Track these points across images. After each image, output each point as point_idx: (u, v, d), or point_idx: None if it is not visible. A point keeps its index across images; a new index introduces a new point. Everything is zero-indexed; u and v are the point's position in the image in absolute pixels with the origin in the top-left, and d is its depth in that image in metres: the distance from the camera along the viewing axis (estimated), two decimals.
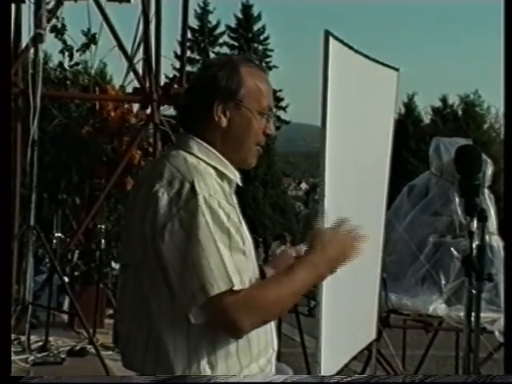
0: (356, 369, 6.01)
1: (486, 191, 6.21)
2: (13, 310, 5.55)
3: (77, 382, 1.97)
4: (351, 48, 4.00)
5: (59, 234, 7.48)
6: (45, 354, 5.77)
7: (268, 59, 38.33)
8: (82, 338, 6.21)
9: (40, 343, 5.92)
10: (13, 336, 5.66)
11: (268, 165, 29.61)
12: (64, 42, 7.34)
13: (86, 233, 7.67)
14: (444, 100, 31.22)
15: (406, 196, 6.66)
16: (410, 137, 27.93)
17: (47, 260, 8.26)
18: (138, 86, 7.65)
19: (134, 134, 7.68)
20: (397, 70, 4.97)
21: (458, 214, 6.06)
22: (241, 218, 1.97)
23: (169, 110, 7.69)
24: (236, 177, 2.04)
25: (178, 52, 14.52)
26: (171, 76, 18.92)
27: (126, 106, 8.13)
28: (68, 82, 8.17)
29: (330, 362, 3.90)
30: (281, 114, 38.53)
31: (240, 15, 38.27)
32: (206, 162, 1.97)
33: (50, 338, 6.00)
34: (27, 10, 6.44)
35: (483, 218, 2.72)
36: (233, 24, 38.39)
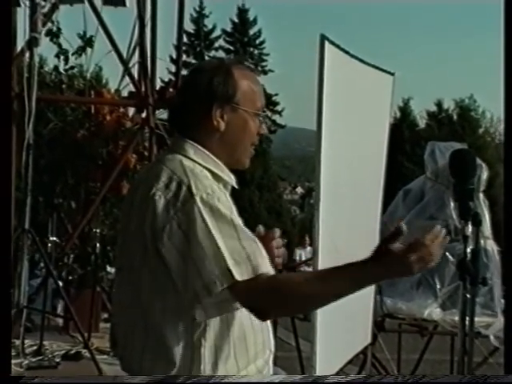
0: (351, 373, 6.01)
1: (481, 196, 6.22)
2: None
3: (77, 382, 1.97)
4: (347, 52, 4.02)
5: (54, 238, 7.47)
6: (39, 358, 5.75)
7: (264, 63, 38.39)
8: (76, 342, 6.20)
9: (34, 347, 5.90)
10: None
11: (264, 169, 29.62)
12: (59, 45, 7.34)
13: (81, 236, 7.66)
14: (439, 104, 31.27)
15: (402, 200, 6.67)
16: (406, 141, 27.95)
17: (42, 264, 8.25)
18: (133, 89, 7.65)
19: (129, 137, 7.68)
20: (392, 74, 4.98)
21: (453, 218, 6.07)
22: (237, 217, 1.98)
23: (164, 114, 7.70)
24: (232, 179, 2.05)
25: (174, 56, 14.53)
26: (167, 80, 18.92)
27: (122, 109, 8.13)
28: (63, 86, 8.17)
29: (325, 366, 3.90)
30: (276, 118, 38.53)
31: (236, 19, 38.31)
32: (201, 165, 1.97)
33: (45, 342, 5.99)
34: (22, 14, 6.44)
35: (477, 222, 2.73)
36: (229, 28, 38.44)
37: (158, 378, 1.89)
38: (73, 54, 7.45)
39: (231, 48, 38.25)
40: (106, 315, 7.28)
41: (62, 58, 7.45)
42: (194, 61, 35.37)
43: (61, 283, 6.40)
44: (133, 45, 7.55)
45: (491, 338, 5.70)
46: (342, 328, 4.31)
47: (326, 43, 3.63)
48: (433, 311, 5.82)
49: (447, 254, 5.97)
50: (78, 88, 8.40)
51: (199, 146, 2.00)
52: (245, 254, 1.85)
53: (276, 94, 38.33)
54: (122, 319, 2.02)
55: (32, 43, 5.95)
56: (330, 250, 3.96)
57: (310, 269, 6.74)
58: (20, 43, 6.73)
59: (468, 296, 2.74)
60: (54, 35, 7.19)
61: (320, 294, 1.88)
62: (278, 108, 39.07)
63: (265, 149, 29.06)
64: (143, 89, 7.34)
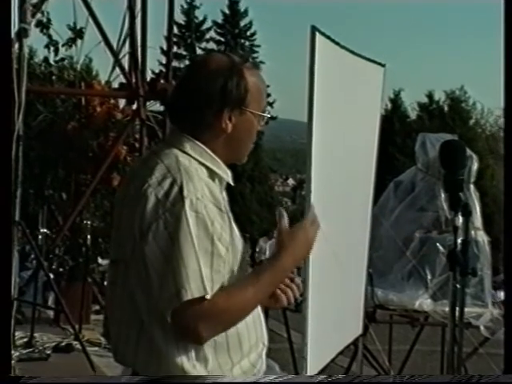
0: (342, 364, 6.03)
1: (472, 187, 6.24)
2: None
3: (77, 382, 1.96)
4: (337, 44, 4.01)
5: (45, 230, 7.45)
6: (30, 350, 5.75)
7: (255, 55, 38.31)
8: (67, 334, 6.20)
9: (25, 339, 5.89)
10: None
11: (255, 161, 29.61)
12: (49, 36, 7.31)
13: (72, 228, 7.65)
14: (430, 96, 31.29)
15: (393, 192, 6.68)
16: (397, 133, 27.98)
17: (33, 256, 8.23)
18: (124, 81, 7.62)
19: (120, 129, 7.67)
20: (383, 65, 4.98)
21: (443, 209, 6.09)
22: (230, 217, 1.98)
23: (155, 106, 7.68)
24: (228, 176, 2.04)
25: (165, 47, 14.48)
26: (157, 71, 18.88)
27: (112, 101, 8.10)
28: (53, 78, 8.13)
29: (316, 357, 3.91)
30: (267, 109, 38.48)
31: (227, 11, 38.19)
32: (198, 161, 1.96)
33: (36, 334, 5.98)
34: (12, 4, 6.38)
35: (467, 213, 2.73)
36: (219, 20, 38.30)
37: (156, 377, 1.89)
38: (63, 46, 7.43)
39: (222, 39, 38.15)
40: (97, 307, 7.28)
41: (51, 49, 7.42)
42: (184, 52, 35.28)
43: (52, 275, 6.38)
44: (123, 36, 7.54)
45: (481, 328, 5.73)
46: (333, 319, 4.32)
47: (317, 35, 3.62)
48: (424, 302, 5.84)
49: (438, 244, 6.00)
50: (68, 79, 8.37)
51: (197, 141, 1.98)
52: (217, 268, 1.87)
53: (267, 86, 38.28)
54: (116, 312, 2.01)
55: (21, 34, 5.91)
56: (320, 242, 3.96)
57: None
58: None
59: (458, 286, 2.75)
60: (43, 26, 7.16)
61: (255, 302, 1.95)
62: (269, 100, 39.08)
63: (256, 141, 29.01)
64: (134, 80, 7.32)
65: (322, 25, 3.67)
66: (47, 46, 7.40)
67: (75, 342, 5.81)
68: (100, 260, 8.20)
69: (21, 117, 5.68)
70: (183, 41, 36.01)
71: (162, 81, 7.70)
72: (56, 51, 7.42)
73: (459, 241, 2.73)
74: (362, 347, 5.65)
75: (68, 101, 8.16)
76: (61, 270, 7.37)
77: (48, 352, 5.75)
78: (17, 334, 5.86)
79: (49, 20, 7.16)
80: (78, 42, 7.53)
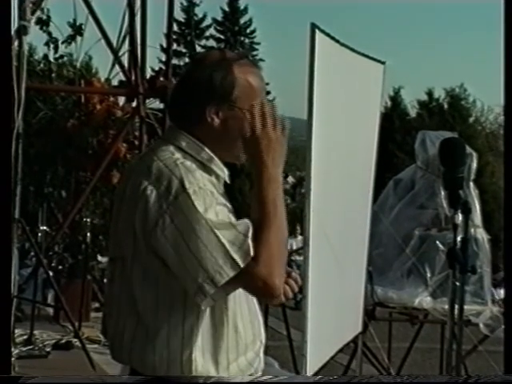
0: (342, 361, 6.04)
1: (471, 184, 6.25)
2: None
3: (77, 382, 1.96)
4: (337, 41, 4.01)
5: (45, 228, 7.45)
6: (30, 347, 5.75)
7: (254, 52, 38.28)
8: (67, 331, 6.19)
9: (25, 337, 5.89)
10: None
11: None
12: (49, 34, 7.29)
13: (71, 226, 7.64)
14: (430, 93, 31.25)
15: (392, 189, 6.69)
16: (396, 130, 27.93)
17: (32, 253, 8.23)
18: (123, 78, 7.61)
19: (119, 127, 7.65)
20: (383, 63, 4.98)
21: (443, 207, 6.09)
22: (232, 212, 1.97)
23: (155, 103, 7.67)
24: (224, 173, 2.03)
25: (164, 45, 14.47)
26: (157, 69, 18.86)
27: (112, 98, 8.09)
28: (53, 75, 8.12)
29: (315, 354, 3.91)
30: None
31: (226, 8, 38.12)
32: (194, 158, 1.96)
33: (35, 332, 5.98)
34: (12, 2, 6.38)
35: (467, 211, 2.74)
36: (219, 17, 38.25)
37: (156, 377, 1.89)
38: (63, 43, 7.41)
39: (222, 37, 38.10)
40: (96, 305, 7.27)
41: (51, 46, 7.40)
42: (184, 50, 35.25)
43: (51, 273, 6.38)
44: (123, 33, 7.52)
45: (481, 326, 5.74)
46: (333, 317, 4.33)
47: (317, 32, 3.63)
48: (423, 300, 5.85)
49: (437, 242, 6.00)
50: (67, 77, 8.36)
51: (193, 138, 1.98)
52: (242, 237, 1.85)
53: (267, 84, 38.24)
54: (114, 309, 2.01)
55: (21, 31, 5.90)
56: (320, 239, 3.96)
57: (301, 258, 6.76)
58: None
59: (457, 284, 2.75)
60: (43, 23, 7.14)
61: (280, 225, 1.93)
62: (269, 97, 39.03)
63: None
64: (133, 78, 7.31)
65: (321, 22, 3.68)
66: (47, 44, 7.39)
67: (75, 340, 5.81)
68: (100, 257, 8.20)
69: (20, 114, 5.68)
70: (183, 38, 35.96)
71: (161, 78, 7.68)
72: (56, 48, 7.41)
73: (459, 238, 2.73)
74: (362, 345, 5.66)
75: (68, 98, 8.16)
76: (60, 267, 7.36)
77: (48, 349, 5.75)
78: (16, 331, 5.86)
79: (49, 17, 7.15)
80: (78, 39, 7.52)
